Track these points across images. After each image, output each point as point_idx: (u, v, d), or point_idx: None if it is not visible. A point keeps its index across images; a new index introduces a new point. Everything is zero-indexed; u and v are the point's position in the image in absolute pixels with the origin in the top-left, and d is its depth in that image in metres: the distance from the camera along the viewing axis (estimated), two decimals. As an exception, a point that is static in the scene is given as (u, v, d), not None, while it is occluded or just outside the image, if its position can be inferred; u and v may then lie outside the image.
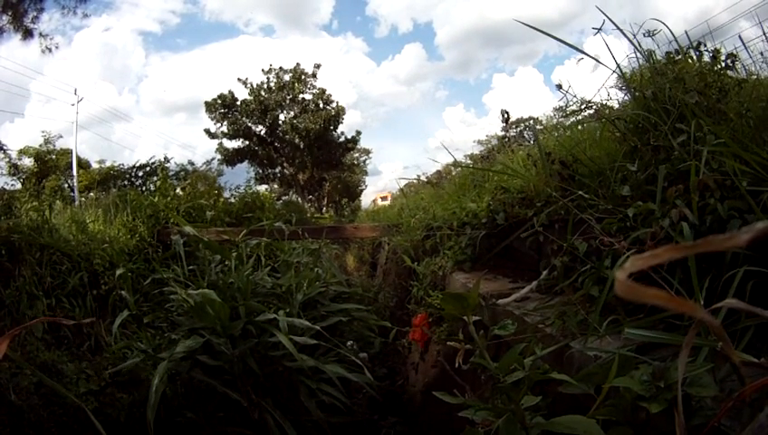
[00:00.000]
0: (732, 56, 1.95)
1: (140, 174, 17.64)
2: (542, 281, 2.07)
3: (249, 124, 25.74)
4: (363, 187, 36.15)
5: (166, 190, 5.94)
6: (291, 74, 26.12)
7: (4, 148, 16.60)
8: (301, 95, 26.17)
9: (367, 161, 35.69)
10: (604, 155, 2.08)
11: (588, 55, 2.48)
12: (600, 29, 2.18)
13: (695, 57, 2.01)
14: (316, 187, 29.66)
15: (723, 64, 1.92)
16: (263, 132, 26.30)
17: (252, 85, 25.76)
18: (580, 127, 2.73)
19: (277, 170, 28.03)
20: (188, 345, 3.02)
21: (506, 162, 3.61)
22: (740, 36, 2.15)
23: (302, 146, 26.24)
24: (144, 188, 12.11)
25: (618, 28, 2.11)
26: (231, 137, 25.87)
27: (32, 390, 3.03)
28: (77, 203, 9.86)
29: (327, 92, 26.54)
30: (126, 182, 17.28)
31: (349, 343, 3.71)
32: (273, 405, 3.02)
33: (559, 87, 2.55)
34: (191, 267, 3.88)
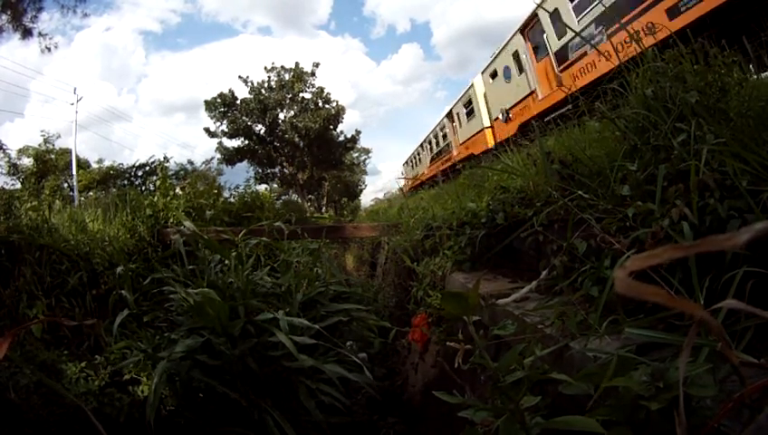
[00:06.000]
0: (732, 54, 1.94)
1: (140, 174, 17.69)
2: (542, 281, 2.07)
3: (249, 123, 25.74)
4: (363, 186, 36.26)
5: (165, 190, 5.92)
6: (291, 73, 26.12)
7: (4, 147, 16.64)
8: (300, 94, 26.17)
9: (366, 161, 35.80)
10: (604, 154, 2.07)
11: (594, 47, 2.48)
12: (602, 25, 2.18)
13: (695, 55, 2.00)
14: (316, 186, 29.67)
15: (723, 63, 1.92)
16: (262, 131, 26.30)
17: (252, 83, 25.77)
18: (579, 126, 2.72)
19: (277, 170, 28.03)
20: (188, 345, 3.01)
21: (506, 162, 3.61)
22: (743, 36, 2.15)
23: (301, 145, 26.25)
24: (143, 188, 12.12)
25: (620, 24, 2.11)
26: (231, 136, 25.88)
27: (31, 389, 3.03)
28: (77, 203, 9.86)
29: (326, 91, 26.55)
30: (125, 182, 17.33)
31: (348, 344, 3.71)
32: (273, 405, 3.01)
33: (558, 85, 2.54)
34: (191, 267, 3.87)
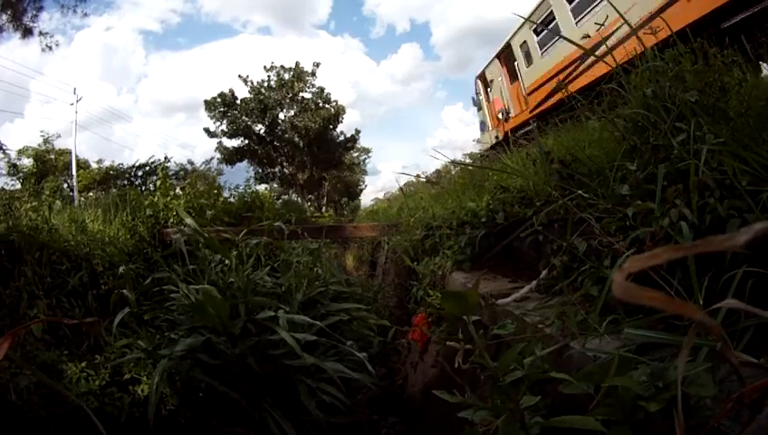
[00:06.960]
0: (732, 54, 1.94)
1: (140, 174, 17.65)
2: (542, 281, 2.07)
3: (249, 123, 25.71)
4: (363, 186, 36.18)
5: (165, 190, 5.92)
6: (290, 73, 26.10)
7: (4, 148, 16.61)
8: (300, 94, 26.14)
9: (366, 161, 35.70)
10: (603, 154, 2.07)
11: (589, 52, 2.48)
12: (602, 24, 2.18)
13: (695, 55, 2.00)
14: (316, 186, 29.63)
15: (723, 63, 1.92)
16: (262, 131, 26.27)
17: (252, 83, 25.74)
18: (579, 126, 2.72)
19: (277, 170, 27.99)
20: (188, 344, 3.01)
21: (506, 161, 3.61)
22: (743, 36, 2.15)
23: (301, 145, 26.22)
24: (144, 188, 12.10)
25: (625, 20, 2.11)
26: (230, 136, 25.84)
27: (32, 389, 3.03)
28: (77, 203, 9.86)
29: (326, 91, 26.53)
30: (125, 182, 17.30)
31: (348, 343, 3.71)
32: (273, 405, 3.02)
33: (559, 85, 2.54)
34: (191, 266, 3.87)
